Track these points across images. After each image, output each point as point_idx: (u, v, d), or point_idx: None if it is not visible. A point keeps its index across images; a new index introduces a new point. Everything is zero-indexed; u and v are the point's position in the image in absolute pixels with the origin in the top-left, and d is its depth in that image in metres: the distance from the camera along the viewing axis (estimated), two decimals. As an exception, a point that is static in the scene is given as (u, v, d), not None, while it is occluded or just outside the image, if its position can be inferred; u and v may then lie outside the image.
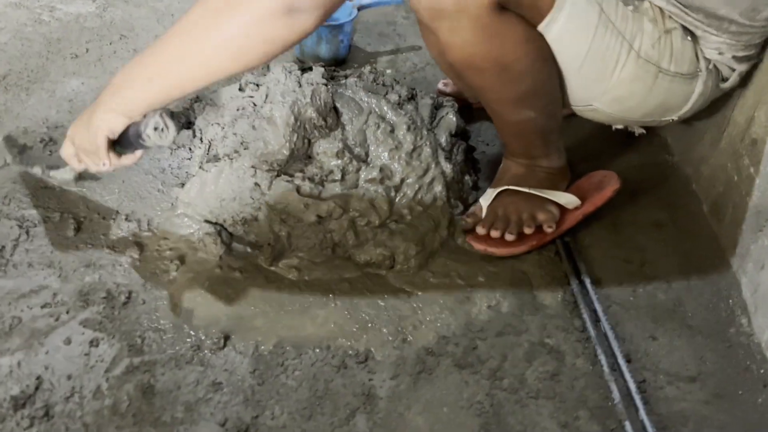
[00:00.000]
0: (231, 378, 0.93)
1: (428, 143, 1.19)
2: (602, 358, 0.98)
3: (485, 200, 1.16)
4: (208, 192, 1.11)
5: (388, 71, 1.65)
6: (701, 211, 1.25)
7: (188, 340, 0.97)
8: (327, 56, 1.61)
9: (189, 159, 1.28)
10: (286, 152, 1.11)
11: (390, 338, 1.00)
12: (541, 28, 0.98)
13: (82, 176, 1.19)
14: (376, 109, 1.21)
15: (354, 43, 1.74)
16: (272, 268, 1.08)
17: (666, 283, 1.12)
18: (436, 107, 1.36)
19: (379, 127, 1.18)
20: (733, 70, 1.08)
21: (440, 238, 1.13)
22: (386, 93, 1.31)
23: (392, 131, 1.18)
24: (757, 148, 1.09)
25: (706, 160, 1.27)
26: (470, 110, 1.45)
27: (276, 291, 1.06)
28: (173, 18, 1.79)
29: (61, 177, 1.18)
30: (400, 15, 1.88)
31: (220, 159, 1.12)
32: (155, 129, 0.97)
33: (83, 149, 1.02)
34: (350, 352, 0.97)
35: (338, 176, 1.12)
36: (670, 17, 1.00)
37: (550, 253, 1.16)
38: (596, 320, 1.05)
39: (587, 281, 1.10)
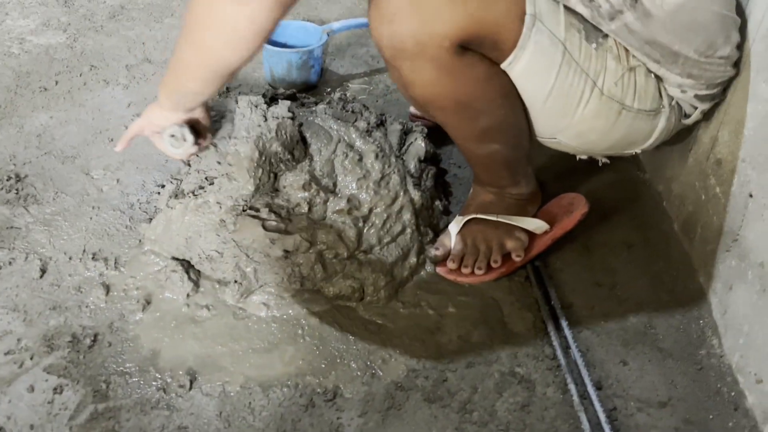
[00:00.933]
0: (197, 422, 0.92)
1: (396, 171, 1.19)
2: (572, 387, 0.98)
3: (454, 228, 1.16)
4: (174, 230, 1.10)
5: (361, 96, 1.65)
6: (672, 230, 1.25)
7: (154, 383, 0.96)
8: (298, 82, 1.61)
9: (158, 193, 1.28)
10: (251, 187, 1.10)
11: (359, 373, 0.99)
12: (504, 66, 0.97)
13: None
14: (345, 138, 1.21)
15: (326, 66, 1.74)
16: (240, 305, 1.07)
17: (637, 305, 1.12)
18: (406, 132, 1.36)
19: (347, 156, 1.18)
20: (696, 107, 1.08)
21: (410, 267, 1.13)
22: (355, 120, 1.31)
23: (360, 160, 1.18)
24: (722, 168, 1.09)
25: (676, 178, 1.27)
26: (442, 132, 1.45)
27: (244, 328, 1.05)
28: (144, 46, 1.79)
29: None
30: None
31: (185, 195, 1.11)
32: (171, 136, 1.08)
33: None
34: (318, 389, 0.96)
35: (305, 209, 1.12)
36: (633, 56, 1.01)
37: (520, 278, 1.16)
38: (567, 347, 1.04)
39: (557, 307, 1.10)
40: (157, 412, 0.92)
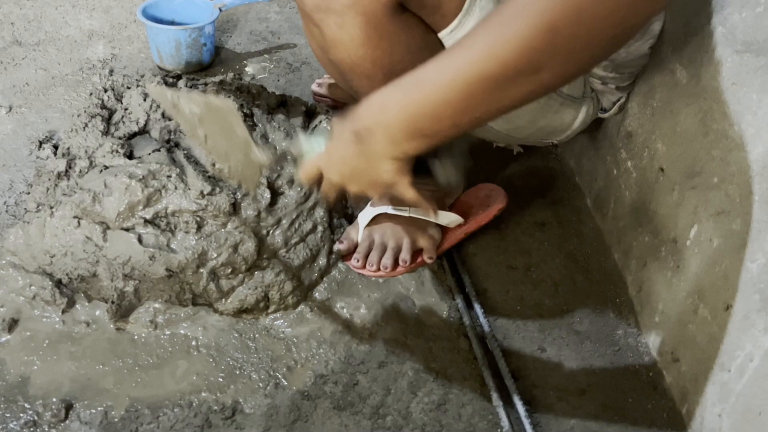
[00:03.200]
0: (74, 456, 0.81)
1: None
2: (489, 380, 0.93)
3: (363, 220, 1.07)
4: (35, 246, 0.97)
5: (260, 76, 1.53)
6: (585, 206, 1.22)
7: (22, 414, 0.84)
8: (189, 62, 1.48)
9: (28, 194, 1.13)
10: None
11: (260, 385, 0.90)
12: (443, 35, 0.87)
13: None
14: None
15: (222, 44, 1.61)
16: (120, 326, 0.94)
17: (552, 287, 1.08)
18: (309, 114, 1.26)
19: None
20: (617, 100, 1.04)
21: (320, 269, 1.03)
22: (253, 100, 1.20)
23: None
24: (632, 141, 1.06)
25: (586, 153, 1.24)
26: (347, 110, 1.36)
27: (129, 343, 0.93)
28: (13, 27, 1.59)
29: (261, 158, 0.86)
30: (272, 10, 1.76)
31: (39, 208, 0.98)
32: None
33: (362, 189, 0.75)
34: (215, 407, 0.87)
35: (193, 227, 0.99)
36: None
37: (433, 265, 1.09)
38: (482, 337, 0.99)
39: (472, 294, 1.05)
40: (26, 449, 0.81)
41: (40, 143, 1.25)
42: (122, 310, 0.94)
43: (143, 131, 1.14)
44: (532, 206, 1.22)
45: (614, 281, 1.09)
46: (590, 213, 1.20)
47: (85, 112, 1.16)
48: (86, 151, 1.08)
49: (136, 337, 0.94)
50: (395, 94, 0.66)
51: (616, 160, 1.11)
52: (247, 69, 1.55)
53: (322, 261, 1.04)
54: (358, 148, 0.70)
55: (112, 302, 0.93)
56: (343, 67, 0.90)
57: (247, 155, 0.85)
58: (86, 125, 1.13)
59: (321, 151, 0.77)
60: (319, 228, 1.04)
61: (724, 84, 0.83)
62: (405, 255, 1.06)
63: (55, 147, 1.23)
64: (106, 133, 1.12)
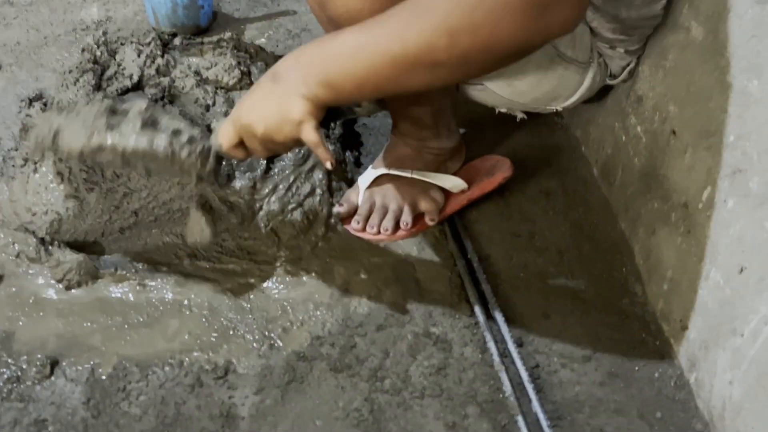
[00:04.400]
0: (59, 413, 0.77)
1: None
2: (491, 345, 0.90)
3: (363, 183, 1.04)
4: (18, 203, 0.93)
5: (259, 41, 1.49)
6: (591, 176, 1.19)
7: (5, 371, 0.81)
8: (186, 24, 1.43)
9: (16, 150, 1.09)
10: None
11: (255, 345, 0.87)
12: None
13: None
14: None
15: (219, 9, 1.57)
16: (107, 292, 0.90)
17: (557, 254, 1.05)
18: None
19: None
20: (626, 65, 1.01)
21: (316, 234, 1.00)
22: (249, 60, 1.17)
23: None
24: (642, 105, 1.03)
25: (593, 121, 1.20)
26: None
27: (119, 300, 0.90)
28: None
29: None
30: (272, -23, 1.71)
31: (25, 163, 0.94)
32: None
33: (273, 140, 0.75)
34: (207, 366, 0.84)
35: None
36: None
37: (434, 230, 1.06)
38: (484, 303, 0.96)
39: (474, 260, 1.01)
40: (9, 404, 0.77)
41: (30, 101, 1.21)
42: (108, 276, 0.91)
43: (137, 87, 1.10)
44: (537, 175, 1.19)
45: (621, 250, 1.05)
46: (596, 182, 1.17)
47: (76, 68, 1.12)
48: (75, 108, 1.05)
49: (124, 292, 0.90)
50: (314, 46, 0.72)
51: (625, 127, 1.08)
52: (245, 34, 1.51)
53: (320, 230, 1.00)
54: (271, 86, 0.73)
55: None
56: (341, 22, 0.86)
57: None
58: (77, 80, 1.09)
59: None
60: (318, 191, 1.01)
61: (742, 37, 0.79)
62: (406, 217, 1.03)
63: (45, 105, 1.19)
64: (97, 88, 1.09)
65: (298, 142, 0.76)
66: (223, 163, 0.83)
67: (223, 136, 0.79)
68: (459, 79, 0.72)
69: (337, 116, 0.79)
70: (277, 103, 0.73)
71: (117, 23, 1.48)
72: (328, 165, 0.77)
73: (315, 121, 0.73)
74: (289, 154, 1.01)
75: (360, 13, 0.83)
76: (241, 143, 0.78)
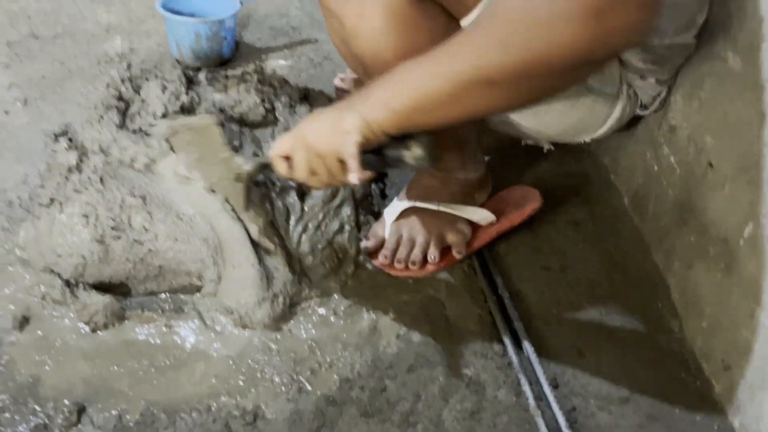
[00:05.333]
0: (86, 462, 0.76)
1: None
2: (526, 387, 0.87)
3: (390, 215, 1.02)
4: (43, 244, 0.92)
5: (281, 71, 1.49)
6: (622, 205, 1.16)
7: (33, 417, 0.80)
8: (209, 56, 1.43)
9: (42, 187, 1.09)
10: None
11: (283, 389, 0.85)
12: (465, 22, 0.83)
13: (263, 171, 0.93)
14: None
15: (241, 39, 1.57)
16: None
17: (589, 288, 1.02)
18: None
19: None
20: (657, 95, 0.99)
21: (346, 273, 0.98)
22: (274, 93, 1.16)
23: None
24: (676, 135, 1.00)
25: (623, 149, 1.18)
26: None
27: (145, 342, 0.89)
28: (30, 20, 1.56)
29: (243, 167, 0.91)
30: (293, 5, 1.72)
31: (52, 203, 0.94)
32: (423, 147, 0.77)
33: (316, 151, 0.77)
34: (235, 412, 0.82)
35: None
36: None
37: (463, 266, 1.04)
38: (517, 341, 0.93)
39: (505, 297, 0.99)
40: (36, 454, 0.76)
41: (56, 136, 1.21)
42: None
43: (161, 124, 1.10)
44: (565, 205, 1.16)
45: (655, 283, 1.02)
46: (627, 212, 1.14)
47: (101, 104, 1.12)
48: (100, 146, 1.05)
49: (151, 335, 0.89)
50: (378, 81, 0.73)
51: (657, 156, 1.05)
52: (268, 64, 1.50)
53: (349, 267, 0.99)
54: (336, 106, 0.76)
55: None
56: (365, 59, 0.86)
57: (229, 168, 0.90)
58: (101, 118, 1.09)
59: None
60: (347, 227, 1.00)
61: (784, 70, 0.77)
62: (434, 251, 1.01)
63: (71, 140, 1.19)
64: (121, 126, 1.08)
65: (339, 164, 0.76)
66: (263, 172, 0.91)
67: (278, 144, 0.81)
68: (519, 102, 0.70)
69: (385, 162, 0.78)
70: (333, 116, 0.75)
71: (140, 55, 1.49)
72: (355, 179, 0.75)
73: (360, 137, 0.73)
74: (318, 192, 0.99)
75: (384, 49, 0.82)
76: (288, 159, 0.80)
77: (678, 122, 0.99)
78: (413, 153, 0.75)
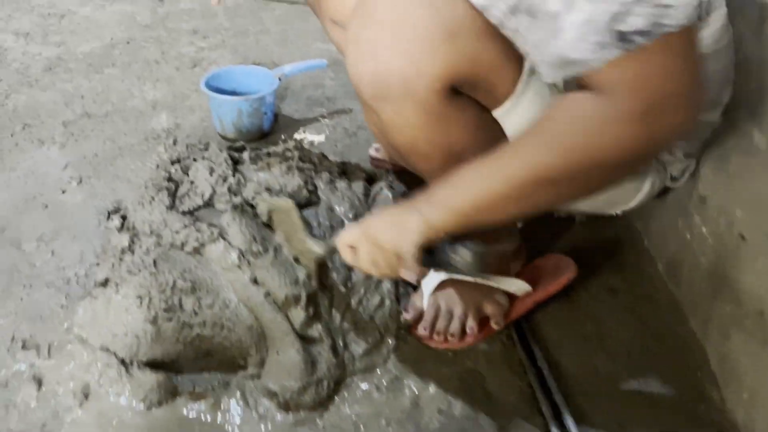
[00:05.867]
0: None
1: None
2: (568, 462, 0.88)
3: (427, 287, 1.06)
4: (100, 323, 0.98)
5: (319, 141, 1.55)
6: (657, 272, 1.18)
7: (94, 497, 0.83)
8: (250, 130, 1.51)
9: (97, 265, 1.15)
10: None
11: (330, 466, 0.88)
12: (498, 114, 0.87)
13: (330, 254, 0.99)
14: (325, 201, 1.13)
15: (280, 111, 1.65)
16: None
17: (628, 358, 1.04)
18: (369, 180, 1.26)
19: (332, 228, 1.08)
20: (686, 168, 1.02)
21: (387, 347, 1.01)
22: (315, 170, 1.21)
23: (342, 225, 1.08)
24: (706, 206, 1.02)
25: (655, 216, 1.20)
26: (407, 174, 1.36)
27: (197, 419, 0.93)
28: (83, 100, 1.67)
29: (314, 249, 0.98)
30: (327, 77, 1.80)
31: (107, 283, 0.99)
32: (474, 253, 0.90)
33: (379, 246, 0.84)
34: (284, 490, 0.85)
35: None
36: None
37: (501, 336, 1.06)
38: (558, 414, 0.95)
39: (544, 368, 1.01)
40: None
41: (109, 214, 1.28)
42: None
43: (208, 204, 1.16)
44: (600, 272, 1.18)
45: (693, 351, 1.03)
46: (662, 279, 1.16)
47: (152, 184, 1.19)
48: (150, 227, 1.11)
49: (201, 416, 0.93)
50: (440, 183, 0.80)
51: (689, 225, 1.07)
52: (305, 135, 1.58)
53: (390, 340, 1.02)
54: (403, 206, 0.82)
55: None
56: (402, 149, 0.91)
57: (304, 249, 0.98)
58: (152, 199, 1.15)
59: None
60: (387, 302, 1.03)
61: (810, 151, 0.79)
62: (472, 322, 1.03)
63: (123, 218, 1.26)
64: (171, 207, 1.14)
65: (398, 260, 0.82)
66: (331, 256, 0.98)
67: (346, 234, 0.88)
68: (576, 197, 0.76)
69: (436, 264, 0.87)
70: (398, 215, 0.82)
71: (185, 130, 1.57)
72: (411, 278, 0.85)
73: (422, 237, 0.80)
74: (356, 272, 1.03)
75: (420, 141, 0.87)
76: (353, 248, 0.87)
77: (708, 193, 1.02)
78: (462, 258, 0.81)
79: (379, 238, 0.83)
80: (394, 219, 0.83)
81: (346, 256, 0.88)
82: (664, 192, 1.09)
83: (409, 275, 0.83)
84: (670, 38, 0.65)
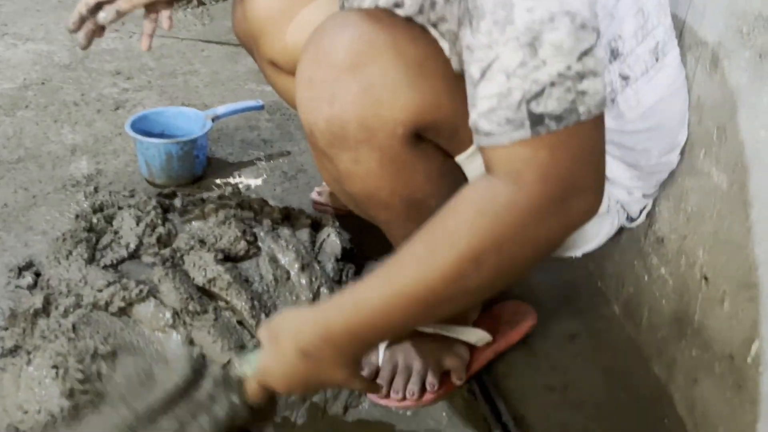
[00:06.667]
0: None
1: (324, 281, 1.01)
2: None
3: (382, 343, 0.98)
4: (8, 399, 0.84)
5: (256, 184, 1.46)
6: (614, 314, 1.14)
7: None
8: (181, 175, 1.41)
9: (6, 330, 1.01)
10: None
11: None
12: (460, 159, 0.82)
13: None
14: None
15: (213, 154, 1.55)
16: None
17: (595, 409, 0.99)
18: (314, 226, 1.19)
19: (275, 276, 0.99)
20: (643, 209, 1.00)
21: (337, 409, 0.92)
22: (255, 216, 1.13)
23: (287, 278, 1.00)
24: (664, 247, 1.00)
25: (608, 257, 1.17)
26: (352, 219, 1.28)
27: None
28: None
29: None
30: (262, 118, 1.72)
31: (16, 350, 0.87)
32: None
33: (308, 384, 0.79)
34: None
35: None
36: None
37: (463, 391, 0.99)
38: (529, 476, 0.88)
39: (510, 424, 0.94)
40: None
41: (20, 270, 1.15)
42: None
43: (133, 256, 1.05)
44: (557, 317, 1.14)
45: (659, 399, 0.99)
46: (620, 321, 1.13)
47: (70, 236, 1.07)
48: (67, 285, 0.99)
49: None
50: (337, 312, 0.72)
51: (647, 266, 1.05)
52: (241, 179, 1.48)
53: (340, 403, 0.93)
54: (307, 364, 0.74)
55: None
56: (359, 198, 0.85)
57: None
58: (70, 253, 1.04)
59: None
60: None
61: (776, 190, 0.78)
62: (432, 378, 0.96)
63: (37, 274, 1.13)
64: (91, 260, 1.03)
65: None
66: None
67: (254, 395, 0.81)
68: (491, 293, 0.72)
69: None
70: (315, 377, 0.75)
71: (108, 176, 1.45)
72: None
73: (357, 374, 0.78)
74: None
75: (380, 190, 0.81)
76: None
77: (665, 234, 1.00)
78: None
79: (307, 392, 0.81)
80: (312, 379, 0.76)
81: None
82: (619, 232, 1.07)
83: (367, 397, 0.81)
84: (583, 125, 0.63)
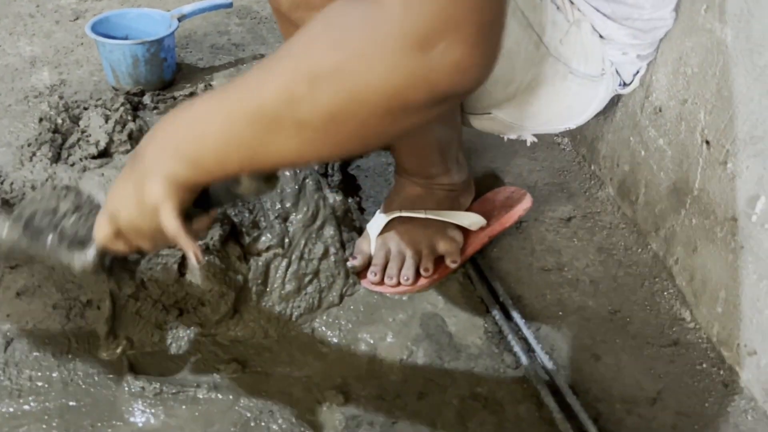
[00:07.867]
0: None
1: (309, 172, 0.95)
2: (547, 399, 0.80)
3: (374, 230, 0.94)
4: None
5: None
6: (608, 195, 1.11)
7: None
8: (149, 80, 1.32)
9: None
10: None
11: (284, 437, 0.75)
12: None
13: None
14: None
15: (182, 60, 1.46)
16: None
17: (592, 286, 0.97)
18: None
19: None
20: (636, 72, 0.94)
21: (333, 298, 0.89)
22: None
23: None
24: (663, 116, 0.96)
25: (601, 138, 1.13)
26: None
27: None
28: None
29: (80, 261, 0.71)
30: (232, 22, 1.63)
31: None
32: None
33: (138, 232, 0.64)
34: (232, 470, 0.72)
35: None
36: (578, 8, 0.85)
37: (458, 275, 0.97)
38: (529, 350, 0.86)
39: (508, 303, 0.92)
40: None
41: (-17, 183, 1.08)
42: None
43: (104, 154, 0.99)
44: (550, 203, 1.11)
45: (657, 272, 0.98)
46: (615, 202, 1.10)
47: (35, 140, 1.00)
48: (32, 186, 0.93)
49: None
50: (172, 115, 0.60)
51: (643, 140, 1.01)
52: (213, 84, 1.41)
53: (336, 293, 0.90)
54: (131, 168, 0.62)
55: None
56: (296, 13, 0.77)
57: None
58: (33, 155, 0.97)
59: None
60: (332, 250, 0.90)
61: (783, 33, 0.73)
62: (426, 263, 0.93)
63: (1, 184, 1.07)
64: (56, 159, 0.97)
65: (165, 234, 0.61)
66: (107, 255, 0.70)
67: (98, 229, 0.67)
68: (338, 151, 0.57)
69: (218, 201, 0.65)
70: (134, 187, 0.61)
71: (73, 86, 1.36)
72: (194, 261, 0.64)
73: (174, 204, 0.60)
74: (299, 215, 0.90)
75: None
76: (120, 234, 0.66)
77: (663, 102, 0.95)
78: (247, 186, 0.61)
79: (131, 221, 0.63)
80: (134, 195, 0.61)
81: (119, 248, 0.67)
82: (610, 106, 1.03)
83: (191, 255, 0.63)
84: None
